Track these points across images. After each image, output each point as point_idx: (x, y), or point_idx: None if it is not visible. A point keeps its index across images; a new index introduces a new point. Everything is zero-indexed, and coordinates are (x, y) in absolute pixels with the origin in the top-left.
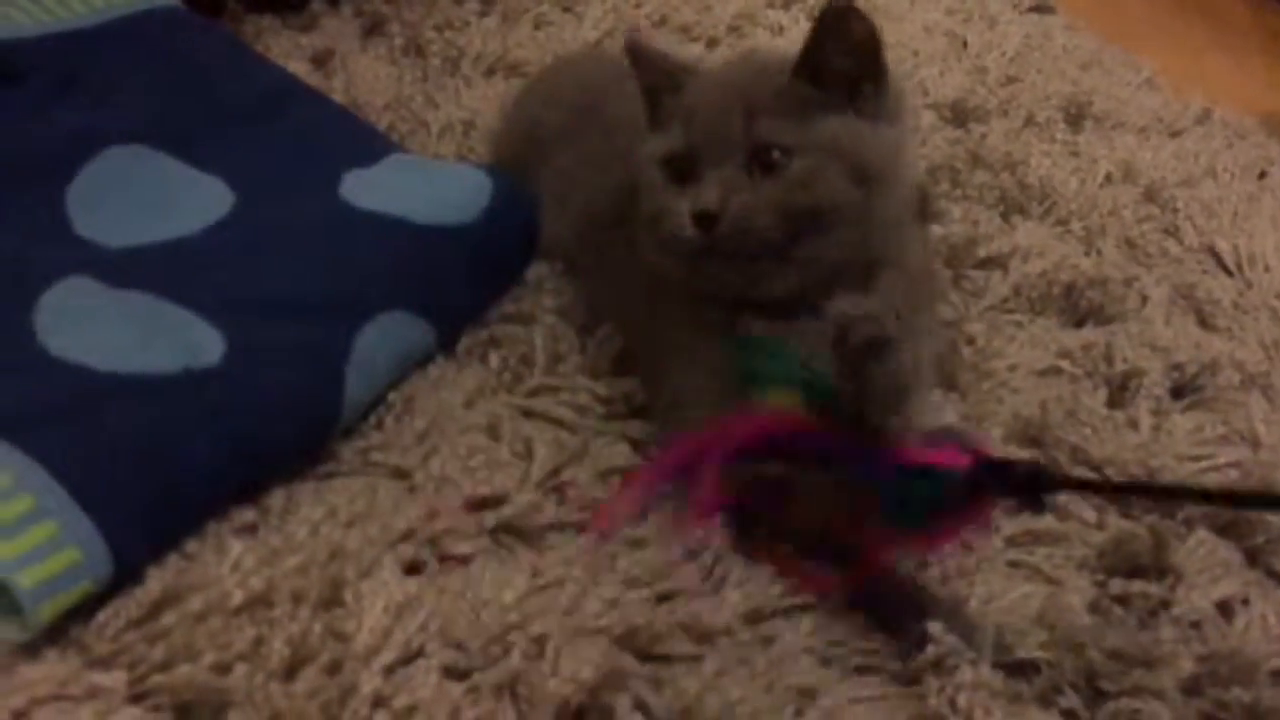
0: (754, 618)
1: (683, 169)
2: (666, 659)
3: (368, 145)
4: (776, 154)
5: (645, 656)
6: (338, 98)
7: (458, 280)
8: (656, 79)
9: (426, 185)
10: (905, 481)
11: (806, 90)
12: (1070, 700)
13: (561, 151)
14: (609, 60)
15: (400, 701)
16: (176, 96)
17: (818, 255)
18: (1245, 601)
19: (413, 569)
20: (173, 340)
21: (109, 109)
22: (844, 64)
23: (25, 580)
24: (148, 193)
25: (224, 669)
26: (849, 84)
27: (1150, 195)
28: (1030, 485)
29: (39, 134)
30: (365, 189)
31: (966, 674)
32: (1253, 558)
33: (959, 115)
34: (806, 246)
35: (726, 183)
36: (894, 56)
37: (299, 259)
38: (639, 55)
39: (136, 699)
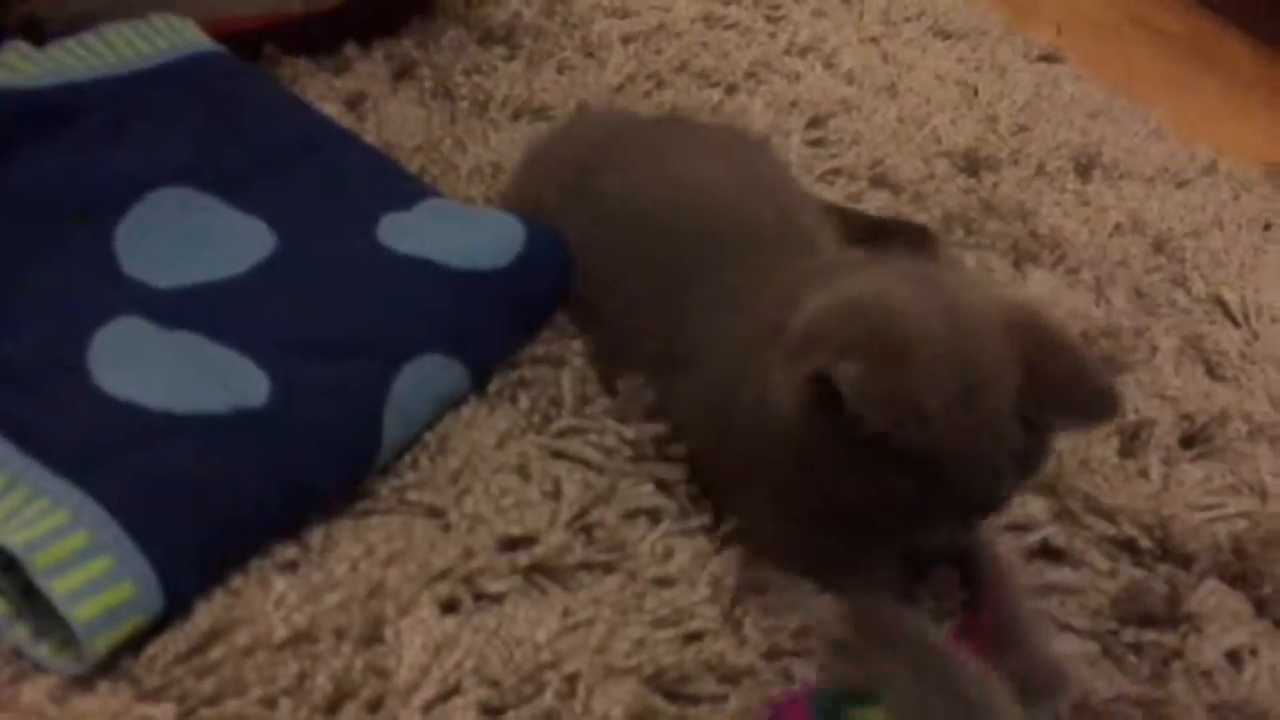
0: (773, 654)
1: None
2: (694, 699)
3: (404, 189)
4: None
5: (673, 696)
6: (370, 139)
7: (492, 324)
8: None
9: (462, 230)
10: None
11: None
12: None
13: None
14: (605, 125)
15: None
16: (221, 139)
17: None
18: (1254, 651)
19: (449, 607)
20: (221, 380)
21: (157, 151)
22: None
23: (81, 614)
24: (193, 234)
25: (270, 703)
26: None
27: (1159, 245)
28: None
29: (89, 175)
30: (402, 233)
31: None
32: (1261, 607)
33: (971, 164)
34: None
35: None
36: (907, 104)
37: (339, 301)
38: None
39: None
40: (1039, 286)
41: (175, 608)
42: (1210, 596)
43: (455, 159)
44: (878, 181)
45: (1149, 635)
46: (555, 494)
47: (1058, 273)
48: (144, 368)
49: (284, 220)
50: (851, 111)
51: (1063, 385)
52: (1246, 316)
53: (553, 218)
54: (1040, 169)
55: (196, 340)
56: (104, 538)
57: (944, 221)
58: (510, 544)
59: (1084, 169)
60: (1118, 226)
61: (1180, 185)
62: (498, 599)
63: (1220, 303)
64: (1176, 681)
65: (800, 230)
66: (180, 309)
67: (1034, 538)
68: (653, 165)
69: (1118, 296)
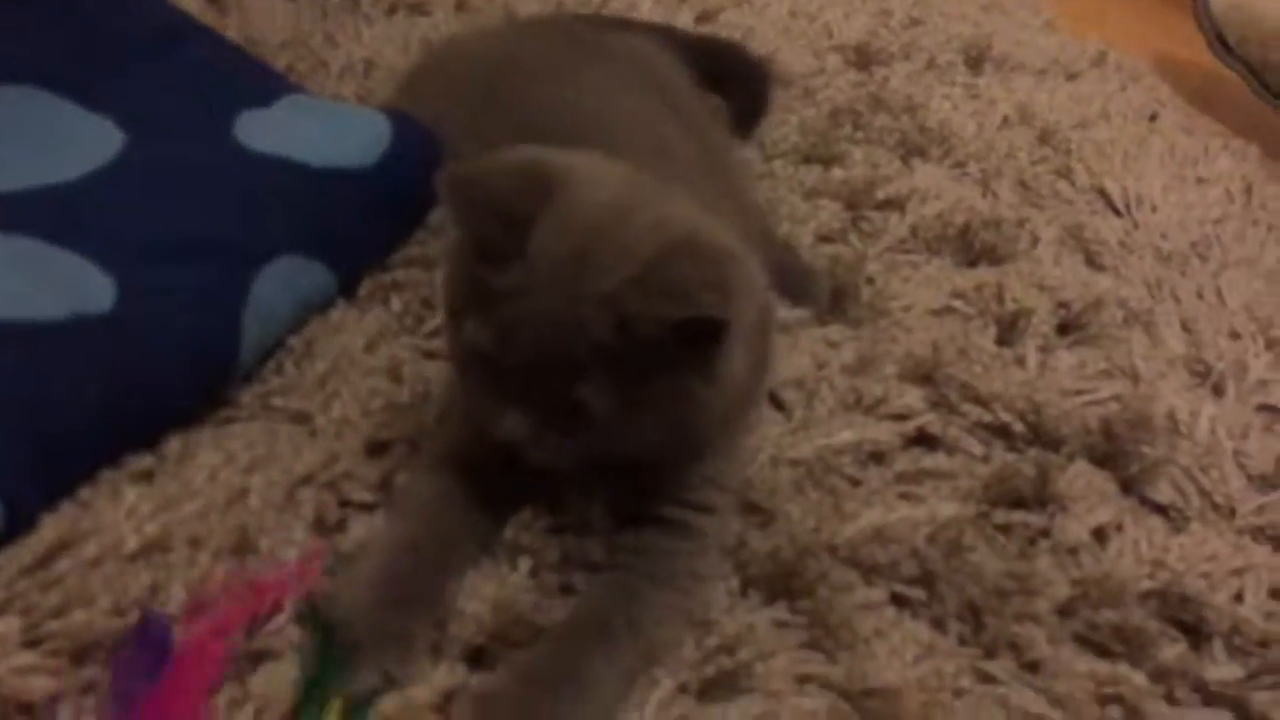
0: None
1: None
2: (567, 591)
3: (263, 86)
4: None
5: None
6: (232, 36)
7: (357, 224)
8: None
9: (323, 127)
10: None
11: None
12: (953, 625)
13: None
14: (504, 41)
15: None
16: (66, 35)
17: None
18: (1119, 528)
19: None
20: (62, 286)
21: None
22: None
23: None
24: (35, 134)
25: (119, 613)
26: None
27: (1045, 138)
28: None
29: None
30: (260, 130)
31: (859, 594)
32: (1126, 487)
33: (863, 58)
34: None
35: None
36: None
37: (191, 202)
38: None
39: (32, 644)
40: (926, 180)
41: (18, 522)
42: (1078, 477)
43: (326, 55)
44: None
45: (1017, 516)
46: (426, 396)
47: (944, 166)
48: None
49: (133, 119)
50: (742, 5)
51: (659, 279)
52: (1128, 206)
53: (456, 133)
54: (931, 63)
55: (34, 245)
56: None
57: (831, 116)
58: (379, 448)
59: (974, 62)
60: (1005, 119)
61: (1070, 78)
62: (369, 508)
63: (1103, 193)
64: (1042, 559)
65: (696, 144)
66: (18, 213)
67: (910, 425)
68: (554, 83)
69: (1003, 189)
